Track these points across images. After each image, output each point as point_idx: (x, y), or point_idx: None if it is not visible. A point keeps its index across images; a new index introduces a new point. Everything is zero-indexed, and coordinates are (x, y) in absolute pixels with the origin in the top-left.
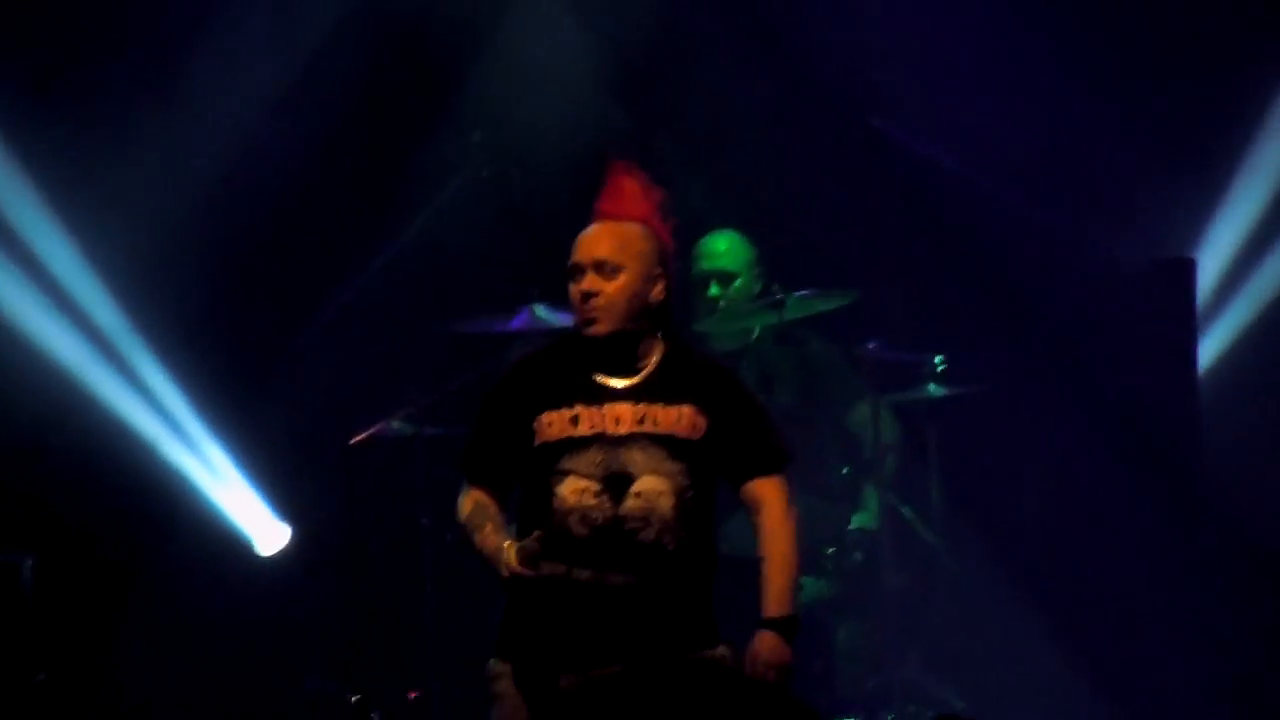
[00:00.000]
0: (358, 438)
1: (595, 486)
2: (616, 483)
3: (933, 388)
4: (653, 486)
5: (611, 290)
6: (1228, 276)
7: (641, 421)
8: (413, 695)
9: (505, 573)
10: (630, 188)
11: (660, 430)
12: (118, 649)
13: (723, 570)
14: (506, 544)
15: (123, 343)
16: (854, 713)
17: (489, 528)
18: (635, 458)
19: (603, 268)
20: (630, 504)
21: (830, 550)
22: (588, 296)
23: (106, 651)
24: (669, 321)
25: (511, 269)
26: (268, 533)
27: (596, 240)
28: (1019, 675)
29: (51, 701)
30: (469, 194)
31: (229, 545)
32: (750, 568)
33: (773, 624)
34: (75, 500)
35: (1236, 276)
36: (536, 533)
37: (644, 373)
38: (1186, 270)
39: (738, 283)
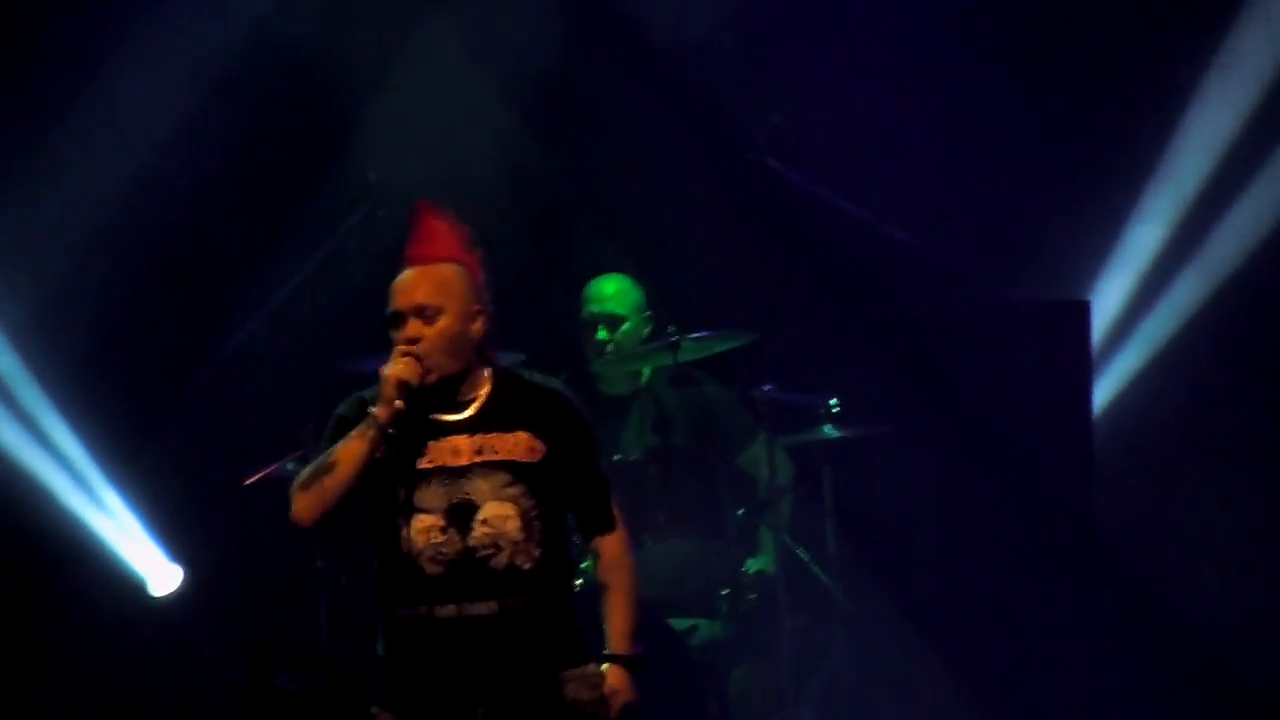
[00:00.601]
0: (251, 479)
1: (440, 521)
2: (461, 513)
3: (828, 429)
4: (497, 512)
5: (433, 333)
6: (1122, 319)
7: (480, 451)
8: None
9: (383, 416)
10: (438, 228)
11: (499, 457)
12: (14, 692)
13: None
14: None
15: (17, 386)
16: None
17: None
18: (478, 486)
19: (423, 312)
20: (478, 532)
21: (725, 592)
22: (412, 343)
23: (3, 695)
24: (492, 352)
25: None
26: (161, 573)
27: (414, 286)
28: (913, 716)
29: None
30: (364, 233)
31: (123, 586)
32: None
33: (620, 659)
34: None
35: (1130, 319)
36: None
37: (476, 405)
38: (1081, 312)
39: (625, 326)
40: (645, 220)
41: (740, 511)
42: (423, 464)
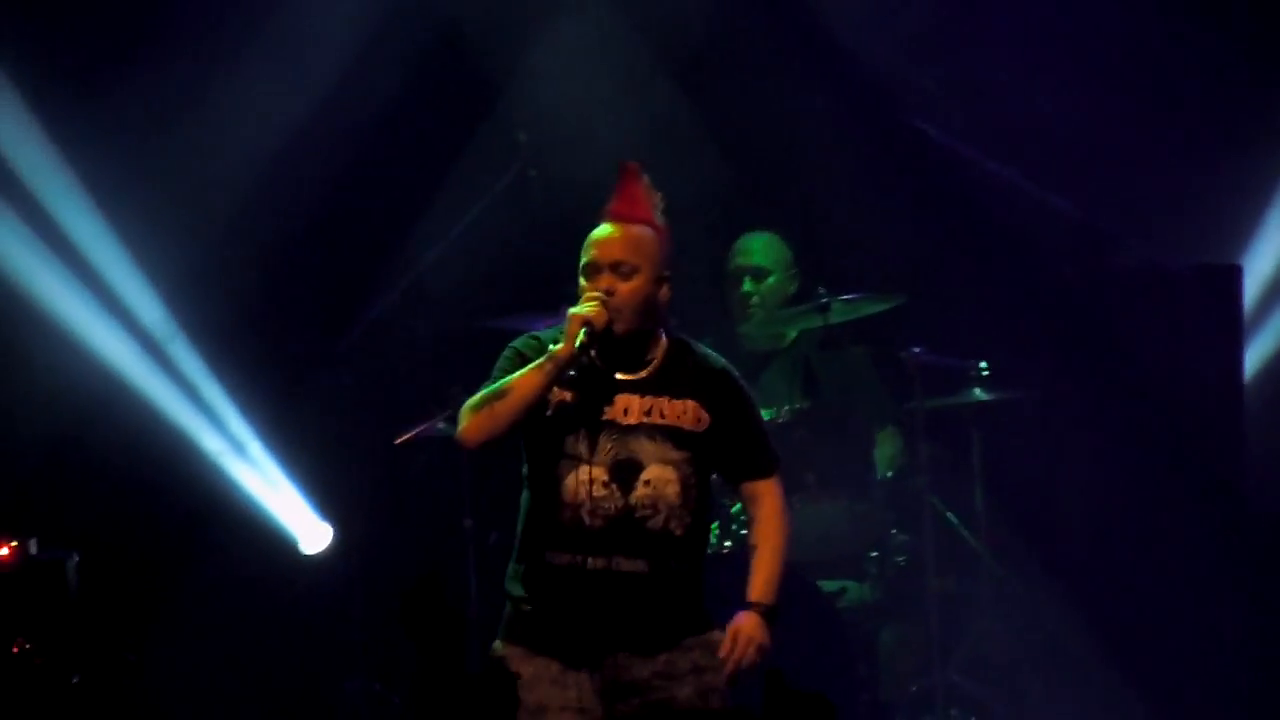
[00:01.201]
0: (402, 438)
1: (604, 475)
2: (625, 470)
3: (977, 392)
4: (660, 475)
5: (627, 290)
6: (1274, 283)
7: (649, 413)
8: None
9: (563, 353)
10: (639, 192)
11: (667, 422)
12: (160, 648)
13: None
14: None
15: (169, 343)
16: (897, 716)
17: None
18: (644, 446)
19: (619, 268)
20: (640, 492)
21: (874, 554)
22: (608, 294)
23: (149, 650)
24: (669, 321)
25: (554, 268)
26: (312, 532)
27: (613, 242)
28: (1062, 680)
29: (87, 703)
30: (514, 193)
31: (273, 545)
32: (795, 571)
33: (758, 607)
34: (120, 499)
35: None
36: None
37: (651, 367)
38: (1233, 277)
39: (771, 279)
40: (796, 182)
41: (889, 474)
42: (593, 416)
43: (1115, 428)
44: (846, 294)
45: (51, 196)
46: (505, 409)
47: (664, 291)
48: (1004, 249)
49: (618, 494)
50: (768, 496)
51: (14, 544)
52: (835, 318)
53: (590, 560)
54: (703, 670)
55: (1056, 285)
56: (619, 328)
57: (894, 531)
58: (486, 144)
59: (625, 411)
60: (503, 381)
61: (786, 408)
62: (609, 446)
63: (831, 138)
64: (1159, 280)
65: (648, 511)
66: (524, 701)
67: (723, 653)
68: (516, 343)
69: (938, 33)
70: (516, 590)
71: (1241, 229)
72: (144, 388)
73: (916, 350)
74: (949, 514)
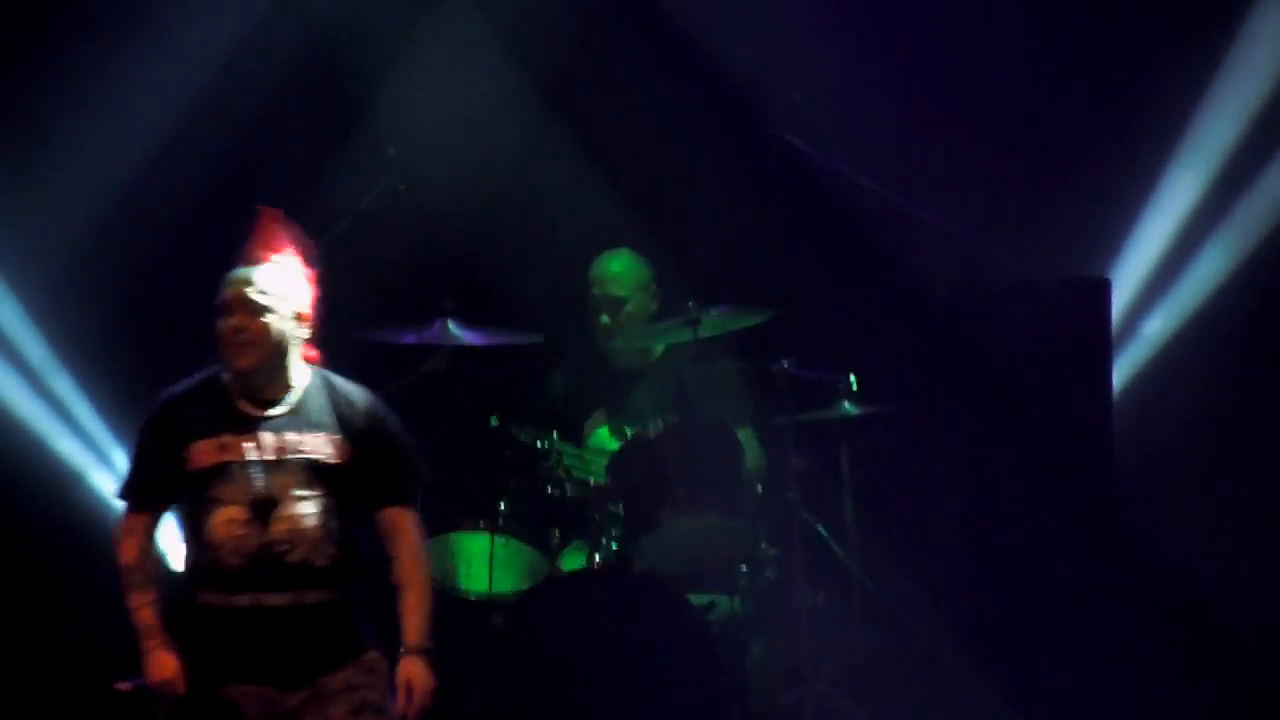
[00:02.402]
0: None
1: (243, 515)
2: (263, 507)
3: (846, 406)
4: (297, 510)
5: (259, 327)
6: (1141, 296)
7: (284, 448)
8: None
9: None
10: (277, 233)
11: (304, 455)
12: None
13: (636, 586)
14: (159, 645)
15: (32, 351)
16: None
17: (144, 599)
18: (282, 481)
19: (250, 306)
20: (276, 528)
21: (744, 568)
22: (239, 331)
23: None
24: (310, 355)
25: (425, 280)
26: (178, 550)
27: (244, 281)
28: (932, 694)
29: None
30: (383, 207)
31: None
32: (664, 585)
33: (419, 651)
34: None
35: (1150, 296)
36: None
37: (290, 404)
38: (1101, 290)
39: (628, 307)
40: (663, 195)
41: (759, 488)
42: (230, 456)
43: (984, 441)
44: (715, 308)
45: None
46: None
47: (303, 326)
48: (873, 262)
49: (257, 530)
50: (404, 529)
51: None
52: (704, 332)
53: (235, 598)
54: (357, 687)
55: (925, 299)
56: (249, 362)
57: (764, 545)
58: (356, 158)
59: (264, 448)
60: (132, 581)
61: (657, 422)
62: (246, 485)
63: (699, 150)
64: (1028, 294)
65: (284, 547)
66: None
67: (397, 708)
68: (155, 416)
69: (803, 44)
70: (174, 630)
71: (1110, 242)
72: (16, 411)
73: (785, 364)
74: (819, 527)
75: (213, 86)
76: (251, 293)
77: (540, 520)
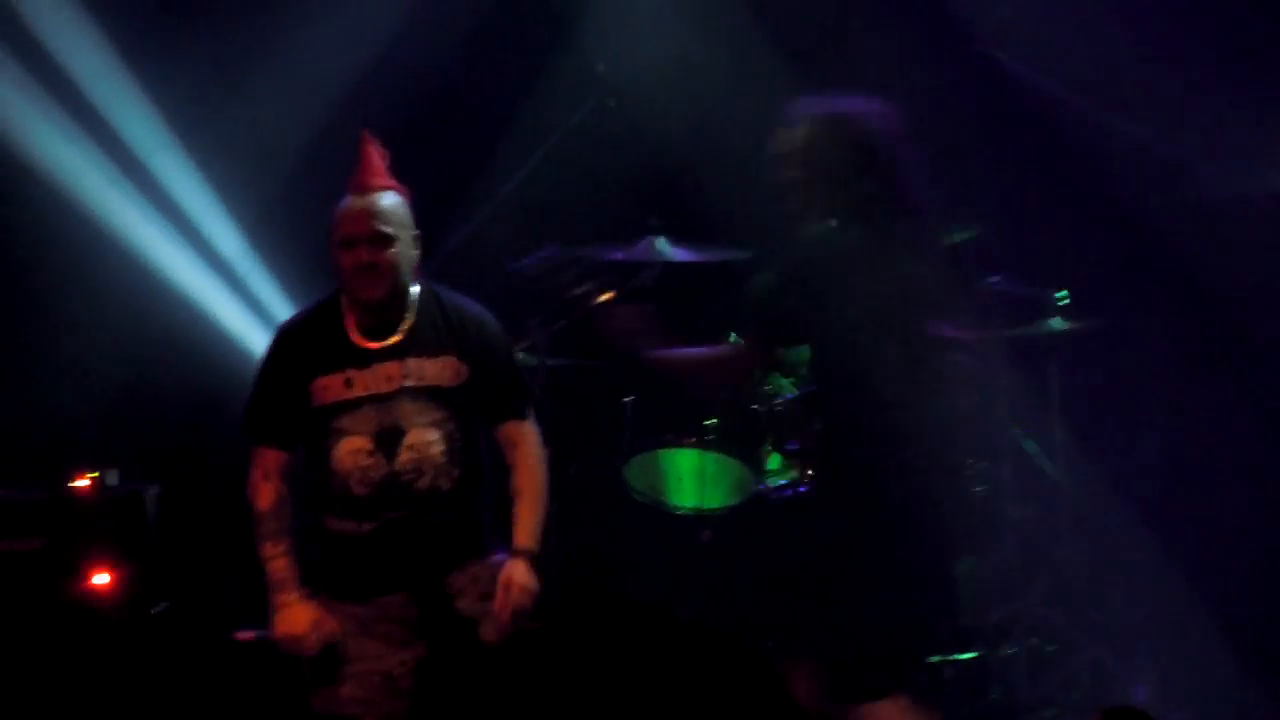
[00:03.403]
0: None
1: (368, 445)
2: (388, 438)
3: (1056, 322)
4: (422, 438)
5: (388, 258)
6: None
7: (408, 376)
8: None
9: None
10: (377, 160)
11: (426, 382)
12: (240, 579)
13: None
14: (290, 602)
15: (247, 271)
16: (976, 645)
17: (278, 549)
18: (406, 409)
19: (378, 237)
20: (404, 457)
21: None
22: (370, 265)
23: (228, 582)
24: (419, 274)
25: (634, 198)
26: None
27: (363, 214)
28: (1141, 609)
29: (171, 632)
30: (592, 124)
31: None
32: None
33: (524, 554)
34: (199, 429)
35: None
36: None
37: (404, 329)
38: None
39: None
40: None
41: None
42: (356, 391)
43: (1196, 360)
44: None
45: (130, 129)
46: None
47: (416, 251)
48: (1082, 178)
49: (383, 461)
50: (523, 440)
51: (93, 475)
52: None
53: (363, 525)
54: (479, 579)
55: (1136, 214)
56: (380, 293)
57: (973, 460)
58: (566, 74)
59: (388, 379)
60: (266, 530)
61: None
62: (373, 415)
63: (905, 65)
64: (1241, 211)
65: (412, 475)
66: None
67: (496, 605)
68: (282, 335)
69: None
70: (312, 552)
71: None
72: (223, 319)
73: (994, 279)
74: (1028, 443)
75: (421, 5)
76: (377, 224)
77: (750, 435)
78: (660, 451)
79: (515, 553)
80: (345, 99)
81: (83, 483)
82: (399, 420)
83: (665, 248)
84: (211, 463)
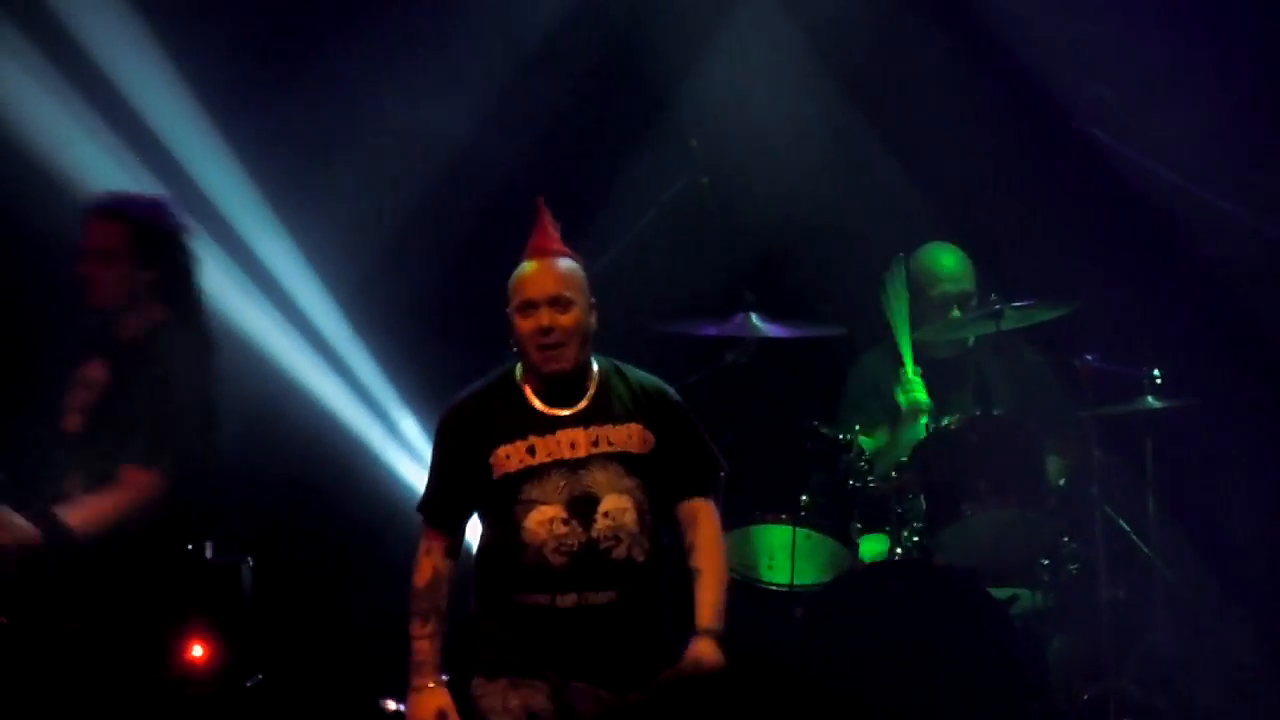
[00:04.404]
0: None
1: (562, 514)
2: (582, 506)
3: (1150, 400)
4: (617, 505)
5: (568, 323)
6: None
7: (596, 443)
8: None
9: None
10: (552, 226)
11: (615, 449)
12: (334, 650)
13: (938, 579)
14: (423, 687)
15: (342, 344)
16: None
17: (425, 630)
18: (597, 478)
19: (556, 302)
20: (601, 525)
21: (1045, 562)
22: (549, 331)
23: (323, 653)
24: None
25: (728, 274)
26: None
27: (545, 277)
28: (1234, 691)
29: (267, 704)
30: (687, 200)
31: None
32: (966, 578)
33: (710, 633)
34: (294, 502)
35: None
36: None
37: (588, 397)
38: None
39: (974, 301)
40: (967, 189)
41: (1061, 482)
42: (540, 458)
43: None
44: (1019, 301)
45: (225, 198)
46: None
47: (593, 319)
48: (1175, 255)
49: (579, 529)
50: (705, 518)
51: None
52: (1008, 324)
53: (560, 598)
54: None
55: (1231, 291)
56: (566, 365)
57: (1066, 539)
58: (659, 151)
59: (573, 445)
60: (421, 609)
61: (959, 415)
62: (562, 483)
63: (1002, 146)
64: None
65: (611, 543)
66: (495, 708)
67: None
68: (448, 416)
69: (1109, 35)
70: (487, 629)
71: None
72: (318, 390)
73: (1089, 358)
74: (1121, 521)
75: (517, 81)
76: (559, 288)
77: (842, 513)
78: (752, 527)
79: (702, 632)
80: (439, 170)
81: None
82: (591, 487)
83: (759, 323)
84: (303, 537)
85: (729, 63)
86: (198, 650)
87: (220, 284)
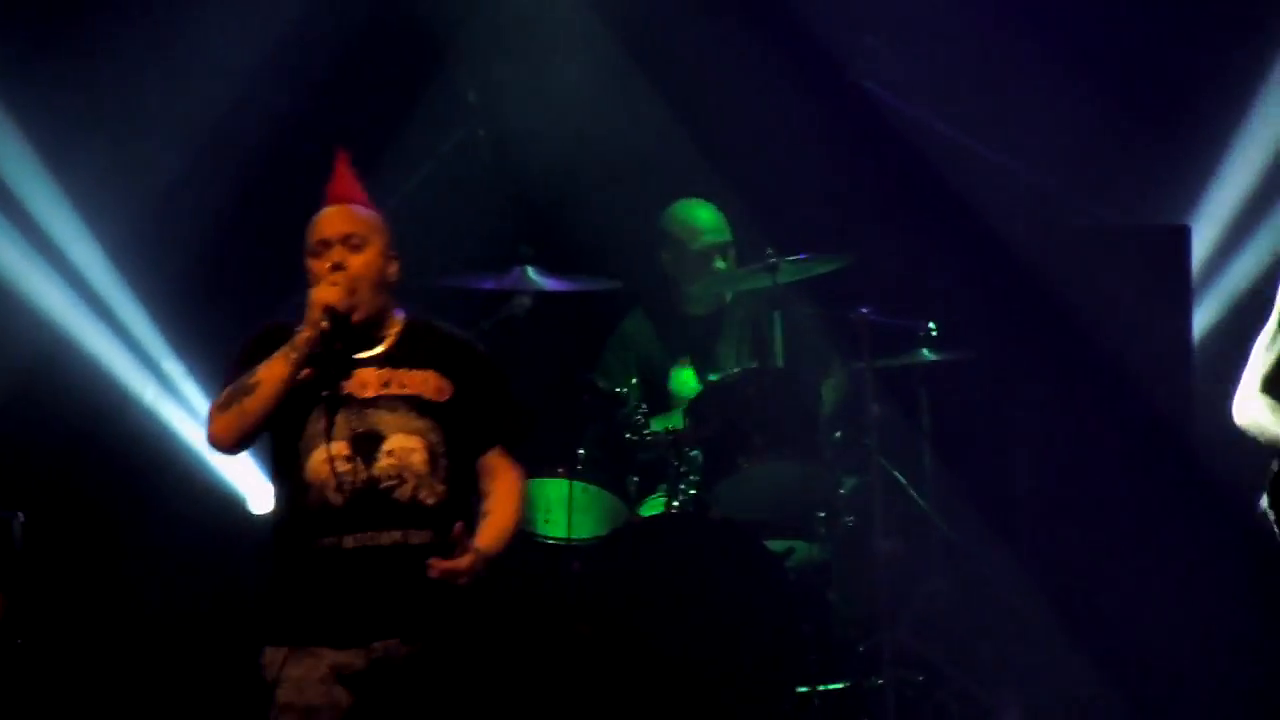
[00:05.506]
0: None
1: (345, 450)
2: (366, 443)
3: (925, 353)
4: (404, 444)
5: (360, 262)
6: (1222, 244)
7: (387, 385)
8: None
9: (308, 336)
10: (352, 176)
11: (407, 391)
12: (105, 606)
13: (714, 532)
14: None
15: (116, 301)
16: (844, 676)
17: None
18: (384, 418)
19: (349, 240)
20: (383, 463)
21: (822, 515)
22: (337, 268)
23: (94, 609)
24: (401, 302)
25: (505, 227)
26: (260, 491)
27: (339, 217)
28: (1009, 640)
29: (32, 666)
30: (463, 153)
31: (221, 503)
32: (742, 531)
33: (480, 551)
34: (66, 456)
35: (1231, 244)
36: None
37: (386, 343)
38: (1182, 237)
39: (732, 252)
40: (740, 143)
41: (836, 434)
42: (331, 395)
43: (1063, 388)
44: (794, 255)
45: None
46: (255, 404)
47: (393, 269)
48: (951, 209)
49: (361, 467)
50: (503, 470)
51: None
52: (783, 278)
53: (345, 539)
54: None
55: (1005, 245)
56: (357, 304)
57: (842, 491)
58: (436, 104)
59: (363, 386)
60: (246, 376)
61: (735, 369)
62: (349, 421)
63: (776, 98)
64: (1108, 241)
65: (393, 482)
66: (293, 704)
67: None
68: (252, 335)
69: None
70: (278, 584)
71: (1190, 190)
72: (91, 346)
73: (864, 310)
74: (897, 474)
75: (293, 32)
76: (348, 226)
77: (619, 466)
78: (530, 480)
79: (471, 548)
80: (215, 123)
81: None
82: (377, 426)
83: (536, 277)
84: (78, 492)
85: (506, 12)
86: None
87: None
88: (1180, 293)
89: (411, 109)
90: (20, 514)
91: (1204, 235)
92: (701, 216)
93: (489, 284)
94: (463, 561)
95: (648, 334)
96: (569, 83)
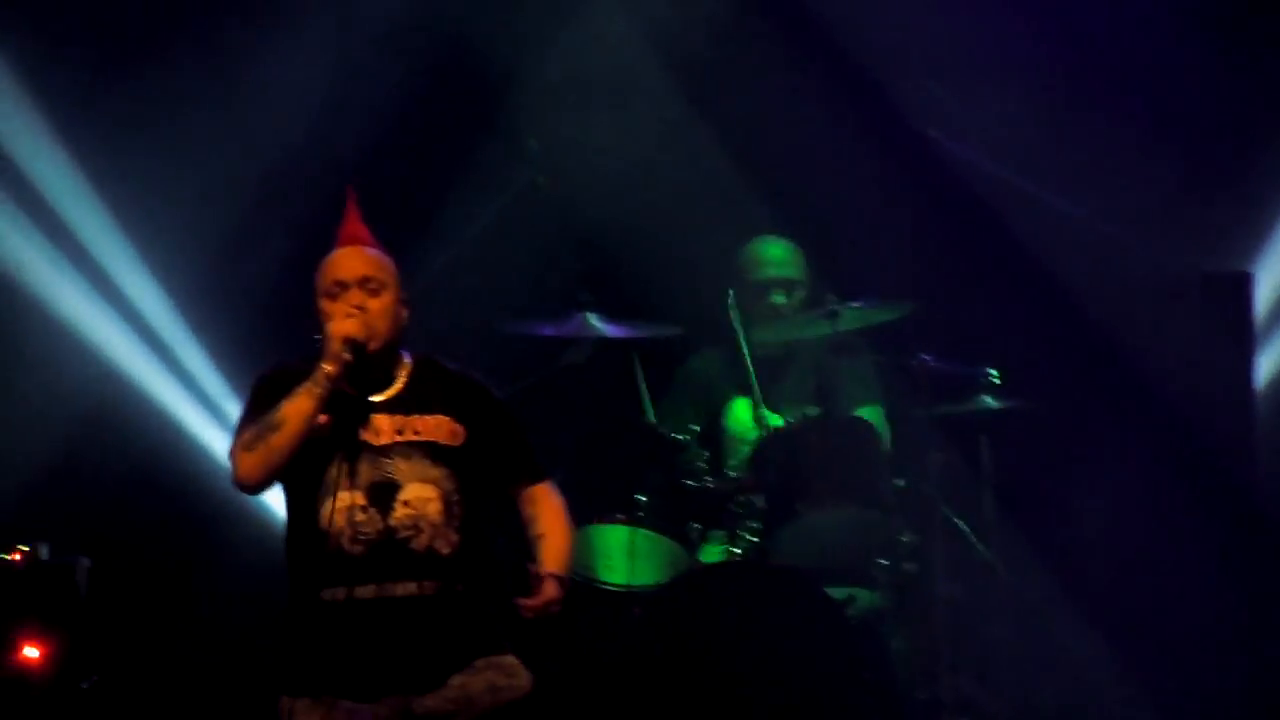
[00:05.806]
0: None
1: (361, 500)
2: (382, 492)
3: (987, 400)
4: (420, 494)
5: (378, 305)
6: None
7: (401, 431)
8: None
9: (331, 370)
10: (361, 219)
11: (421, 438)
12: (171, 650)
13: (774, 579)
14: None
15: (177, 343)
16: None
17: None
18: (399, 466)
19: (367, 284)
20: (399, 513)
21: (883, 562)
22: (359, 310)
23: (160, 653)
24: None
25: (565, 273)
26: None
27: (356, 260)
28: (1071, 690)
29: (100, 707)
30: (524, 200)
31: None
32: (803, 578)
33: (555, 577)
34: (131, 502)
35: None
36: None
37: (398, 386)
38: (1244, 284)
39: (800, 293)
40: (801, 190)
41: (900, 482)
42: (345, 441)
43: (1126, 436)
44: (855, 301)
45: (57, 194)
46: (282, 440)
47: (405, 312)
48: (1013, 256)
49: (377, 517)
50: (544, 495)
51: (24, 549)
52: (844, 325)
53: (359, 589)
54: (499, 689)
55: (1067, 293)
56: (373, 344)
57: (904, 539)
58: (496, 152)
59: (378, 433)
60: (269, 414)
61: (797, 413)
62: (364, 469)
63: (841, 145)
64: (1170, 287)
65: (410, 532)
66: None
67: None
68: (267, 373)
69: (946, 35)
70: (293, 633)
71: (1253, 236)
72: (152, 389)
73: (926, 358)
74: (959, 522)
75: (353, 79)
76: (366, 269)
77: (679, 513)
78: (589, 527)
79: (545, 575)
80: (276, 169)
81: (14, 556)
82: (392, 474)
83: (596, 323)
84: (142, 536)
85: (566, 60)
86: (32, 652)
87: (55, 282)
88: (1243, 339)
89: (472, 155)
90: (85, 559)
91: (1267, 282)
92: (769, 250)
93: (549, 330)
94: (549, 592)
95: (715, 370)
96: (629, 129)
